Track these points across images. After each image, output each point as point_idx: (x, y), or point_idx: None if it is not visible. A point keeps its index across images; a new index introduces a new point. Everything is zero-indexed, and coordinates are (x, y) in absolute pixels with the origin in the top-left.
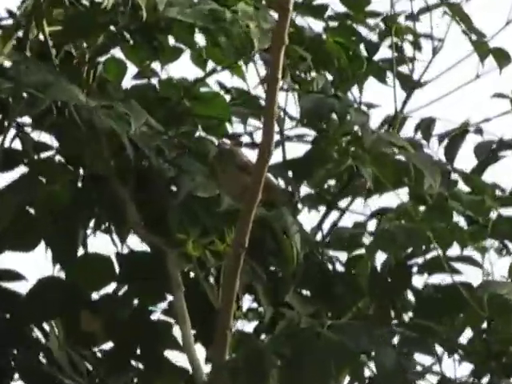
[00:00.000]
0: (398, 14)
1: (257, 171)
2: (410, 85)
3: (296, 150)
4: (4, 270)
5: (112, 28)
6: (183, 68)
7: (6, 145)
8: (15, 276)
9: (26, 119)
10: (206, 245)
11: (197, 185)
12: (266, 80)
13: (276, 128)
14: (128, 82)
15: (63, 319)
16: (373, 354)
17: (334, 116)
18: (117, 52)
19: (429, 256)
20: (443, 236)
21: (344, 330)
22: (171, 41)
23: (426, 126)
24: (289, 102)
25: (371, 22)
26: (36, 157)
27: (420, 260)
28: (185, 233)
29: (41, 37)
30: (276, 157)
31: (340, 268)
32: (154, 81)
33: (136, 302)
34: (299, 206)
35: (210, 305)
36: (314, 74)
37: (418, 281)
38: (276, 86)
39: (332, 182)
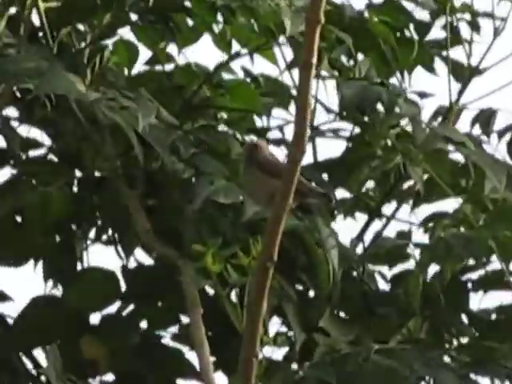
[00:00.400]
0: None
1: (288, 172)
2: (466, 72)
3: (328, 148)
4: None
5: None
6: (204, 54)
7: None
8: (0, 296)
9: (12, 111)
10: (227, 258)
11: (217, 189)
12: (297, 65)
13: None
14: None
15: (61, 345)
16: (428, 378)
17: (379, 107)
18: (127, 33)
19: (488, 269)
20: (507, 246)
21: (394, 354)
22: (189, 21)
23: (486, 118)
24: (324, 91)
25: None
26: (24, 156)
27: (475, 274)
28: (203, 244)
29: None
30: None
31: (383, 285)
32: (170, 67)
33: (144, 325)
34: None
35: (232, 328)
36: (357, 58)
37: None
38: (310, 73)
39: (372, 185)
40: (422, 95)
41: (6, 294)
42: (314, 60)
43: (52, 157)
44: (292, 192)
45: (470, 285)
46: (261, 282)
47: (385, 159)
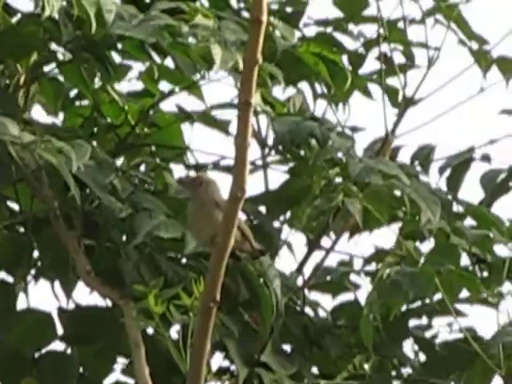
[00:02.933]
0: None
1: (229, 211)
2: (401, 102)
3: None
4: None
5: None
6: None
7: None
8: None
9: None
10: (169, 298)
11: (157, 224)
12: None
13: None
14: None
15: None
16: None
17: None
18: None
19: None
20: (451, 282)
21: None
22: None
23: (425, 155)
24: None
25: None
26: None
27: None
28: (144, 285)
29: None
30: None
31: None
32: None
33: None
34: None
35: (175, 367)
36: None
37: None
38: (249, 112)
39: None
40: (354, 129)
41: None
42: (253, 99)
43: None
44: (234, 230)
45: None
46: (204, 322)
47: (327, 198)
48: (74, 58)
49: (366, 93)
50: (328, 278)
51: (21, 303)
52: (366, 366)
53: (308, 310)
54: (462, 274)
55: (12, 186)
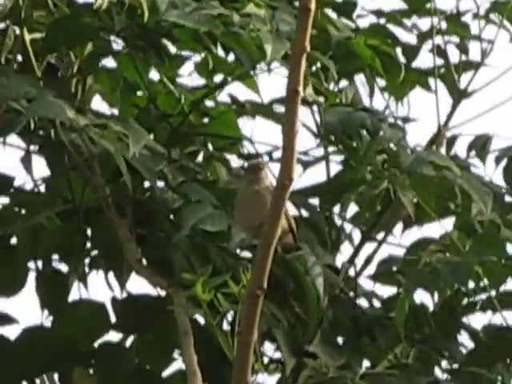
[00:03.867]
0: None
1: (276, 199)
2: (455, 95)
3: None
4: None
5: (103, 35)
6: (187, 80)
7: None
8: (5, 319)
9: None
10: (217, 286)
11: (204, 217)
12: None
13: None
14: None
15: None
16: None
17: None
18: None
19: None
20: (495, 272)
21: (380, 379)
22: (172, 49)
23: (482, 144)
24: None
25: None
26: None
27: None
28: (193, 273)
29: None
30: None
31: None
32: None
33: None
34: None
35: (223, 356)
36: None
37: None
38: (296, 101)
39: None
40: (406, 120)
41: (10, 317)
42: (300, 88)
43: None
44: (280, 218)
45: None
46: (251, 309)
47: (372, 185)
48: (127, 46)
49: (425, 85)
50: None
51: (73, 294)
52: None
53: (362, 301)
54: (506, 264)
55: (65, 174)
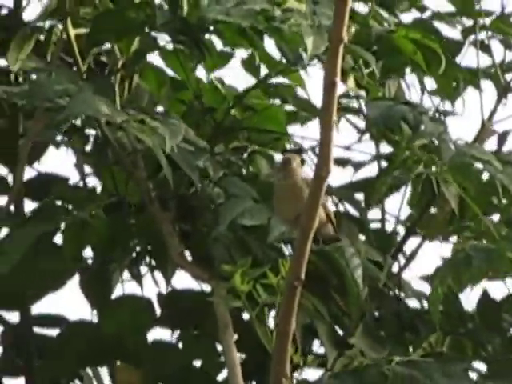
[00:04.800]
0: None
1: (313, 191)
2: (499, 90)
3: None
4: (44, 315)
5: (147, 30)
6: (231, 78)
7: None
8: (56, 321)
9: None
10: (256, 278)
11: (243, 211)
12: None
13: None
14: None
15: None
16: None
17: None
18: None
19: None
20: None
21: (415, 365)
22: (218, 45)
23: None
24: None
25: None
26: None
27: None
28: (232, 265)
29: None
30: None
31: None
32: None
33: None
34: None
35: (264, 348)
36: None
37: None
38: (333, 92)
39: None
40: (446, 113)
41: (62, 317)
42: (338, 79)
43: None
44: (317, 209)
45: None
46: (289, 300)
47: (407, 169)
48: (171, 40)
49: (474, 84)
50: None
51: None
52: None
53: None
54: None
55: (109, 169)
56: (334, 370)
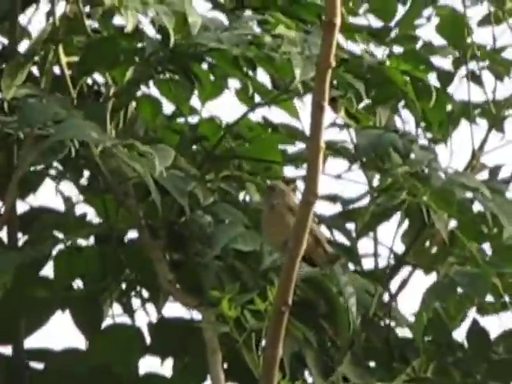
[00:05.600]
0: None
1: (301, 216)
2: (489, 119)
3: None
4: (35, 349)
5: (138, 60)
6: (225, 107)
7: None
8: (46, 354)
9: None
10: (244, 304)
11: (235, 236)
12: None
13: None
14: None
15: None
16: None
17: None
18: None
19: None
20: None
21: None
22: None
23: None
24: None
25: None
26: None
27: None
28: (221, 291)
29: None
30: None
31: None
32: (194, 120)
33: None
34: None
35: (251, 373)
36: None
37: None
38: (321, 116)
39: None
40: (435, 141)
41: (52, 351)
42: (325, 103)
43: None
44: (305, 234)
45: None
46: (276, 326)
47: (390, 196)
48: (160, 70)
49: (468, 117)
50: None
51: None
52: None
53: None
54: None
55: (100, 197)
56: None
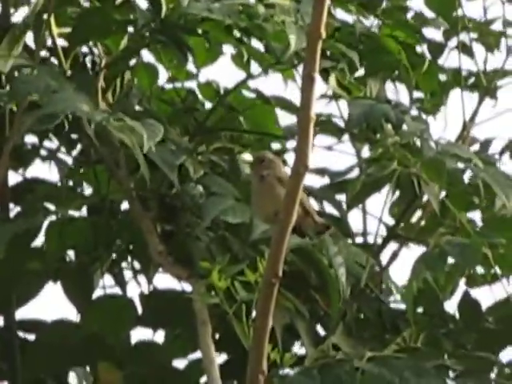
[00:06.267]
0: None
1: (291, 187)
2: (480, 91)
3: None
4: (26, 320)
5: (131, 29)
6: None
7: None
8: (39, 326)
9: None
10: (235, 275)
11: (225, 208)
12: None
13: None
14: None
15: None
16: None
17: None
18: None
19: None
20: (506, 256)
21: (386, 363)
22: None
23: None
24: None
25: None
26: None
27: None
28: (211, 261)
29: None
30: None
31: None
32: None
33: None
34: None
35: (242, 345)
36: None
37: None
38: (312, 86)
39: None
40: (429, 112)
41: (43, 322)
42: (316, 74)
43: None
44: (295, 207)
45: None
46: (266, 297)
47: (380, 166)
48: (151, 41)
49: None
50: None
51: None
52: None
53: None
54: None
55: (91, 168)
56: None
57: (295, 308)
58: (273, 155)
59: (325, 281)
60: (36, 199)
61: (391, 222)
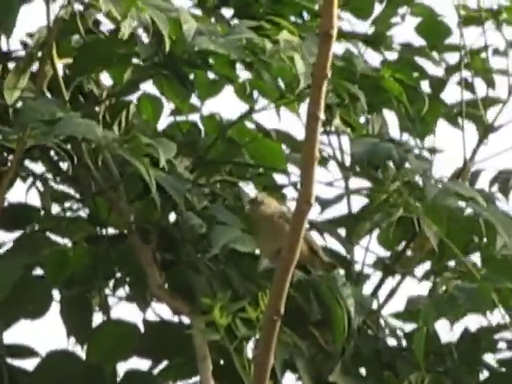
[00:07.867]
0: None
1: (295, 224)
2: (481, 129)
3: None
4: (15, 345)
5: (136, 61)
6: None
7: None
8: (27, 352)
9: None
10: (236, 312)
11: (234, 237)
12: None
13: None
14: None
15: None
16: None
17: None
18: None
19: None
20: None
21: None
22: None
23: (504, 179)
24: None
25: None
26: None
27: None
28: (213, 297)
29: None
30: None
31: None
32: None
33: None
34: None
35: (241, 382)
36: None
37: None
38: (316, 126)
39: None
40: (432, 151)
41: (32, 350)
42: (321, 114)
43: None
44: (299, 243)
45: None
46: (267, 335)
47: (386, 213)
48: (154, 75)
49: (452, 120)
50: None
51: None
52: None
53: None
54: None
55: (91, 199)
56: None
57: (294, 344)
58: (266, 195)
59: (329, 314)
60: (36, 230)
61: (379, 250)
